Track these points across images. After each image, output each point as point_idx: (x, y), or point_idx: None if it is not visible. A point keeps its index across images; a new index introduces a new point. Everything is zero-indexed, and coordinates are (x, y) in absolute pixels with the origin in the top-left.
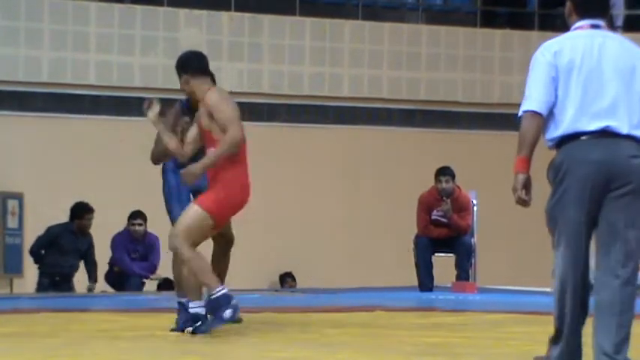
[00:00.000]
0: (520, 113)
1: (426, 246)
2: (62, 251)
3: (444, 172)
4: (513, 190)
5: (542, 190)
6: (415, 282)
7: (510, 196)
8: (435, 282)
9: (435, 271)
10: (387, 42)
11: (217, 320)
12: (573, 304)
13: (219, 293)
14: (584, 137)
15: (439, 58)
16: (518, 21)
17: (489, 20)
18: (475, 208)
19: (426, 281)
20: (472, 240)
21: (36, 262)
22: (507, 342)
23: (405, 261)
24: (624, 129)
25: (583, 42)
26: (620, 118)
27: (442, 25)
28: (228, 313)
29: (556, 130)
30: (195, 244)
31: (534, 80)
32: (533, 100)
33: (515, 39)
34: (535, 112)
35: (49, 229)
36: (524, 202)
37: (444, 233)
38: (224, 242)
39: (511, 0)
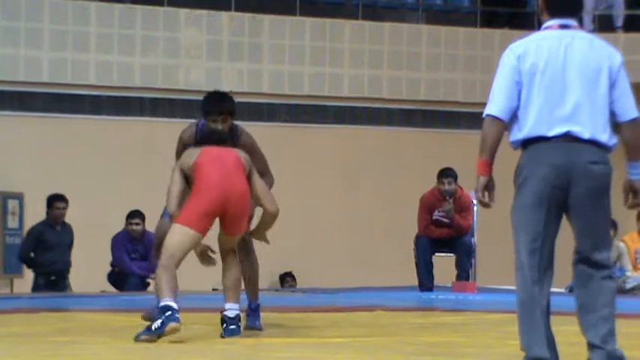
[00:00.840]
0: (483, 115)
1: (426, 246)
2: (49, 247)
3: (447, 174)
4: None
5: None
6: (415, 282)
7: (511, 196)
8: (435, 282)
9: (435, 271)
10: (387, 42)
11: (147, 330)
12: (528, 302)
13: (162, 303)
14: (545, 141)
15: (439, 58)
16: (518, 21)
17: (489, 20)
18: (475, 208)
19: (426, 281)
20: (472, 240)
21: (29, 266)
22: (507, 342)
23: (405, 261)
24: (586, 134)
25: (549, 44)
26: (583, 123)
27: (442, 25)
28: (157, 322)
29: (519, 133)
30: (175, 256)
31: (498, 83)
32: (495, 105)
33: (515, 39)
34: (495, 117)
35: (30, 231)
36: (485, 205)
37: (444, 233)
38: (241, 244)
39: (511, 0)
